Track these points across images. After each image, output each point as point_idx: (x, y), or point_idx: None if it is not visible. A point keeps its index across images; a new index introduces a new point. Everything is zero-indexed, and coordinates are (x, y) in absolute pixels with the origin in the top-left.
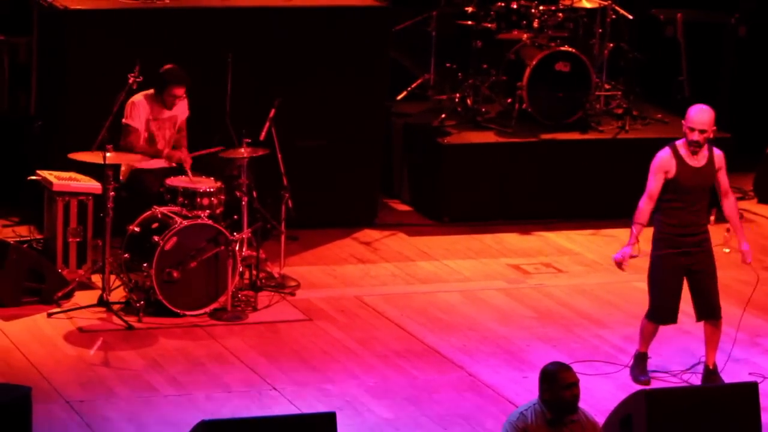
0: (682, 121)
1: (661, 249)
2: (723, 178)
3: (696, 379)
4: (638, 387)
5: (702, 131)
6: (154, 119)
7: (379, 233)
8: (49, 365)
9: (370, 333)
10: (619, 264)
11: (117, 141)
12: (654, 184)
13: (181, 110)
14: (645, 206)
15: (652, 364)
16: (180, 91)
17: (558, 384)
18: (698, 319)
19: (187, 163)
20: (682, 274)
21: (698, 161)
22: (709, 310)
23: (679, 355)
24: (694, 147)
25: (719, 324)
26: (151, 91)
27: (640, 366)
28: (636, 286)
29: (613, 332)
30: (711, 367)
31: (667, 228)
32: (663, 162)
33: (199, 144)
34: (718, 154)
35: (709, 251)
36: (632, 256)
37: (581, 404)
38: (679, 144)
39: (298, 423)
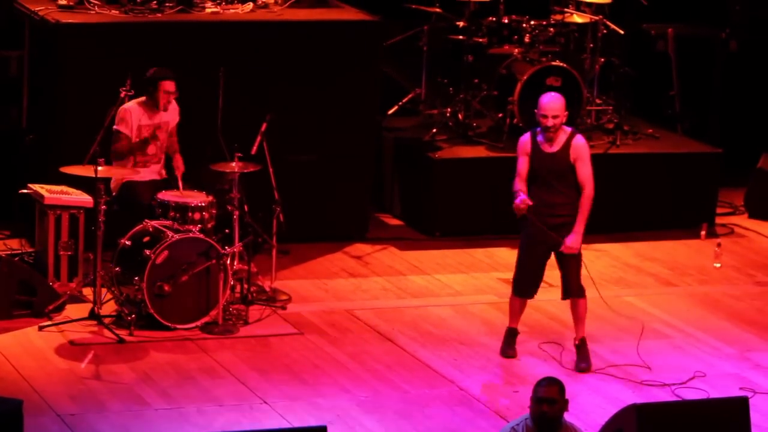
0: (535, 110)
1: (528, 227)
2: (581, 169)
3: (688, 394)
4: (629, 402)
5: (554, 117)
6: (147, 125)
7: (370, 247)
8: (40, 378)
9: (361, 347)
10: (520, 209)
11: (108, 150)
12: (520, 165)
13: (172, 115)
14: (518, 185)
15: (645, 376)
16: (171, 86)
17: (534, 397)
18: (563, 297)
19: (179, 170)
20: (545, 253)
21: (552, 147)
22: (572, 290)
23: (671, 370)
24: (549, 133)
25: (583, 302)
26: (143, 98)
27: (508, 341)
28: (627, 301)
29: (603, 346)
30: (577, 342)
31: (533, 208)
32: (522, 145)
33: (191, 158)
34: (578, 143)
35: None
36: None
37: (572, 419)
38: (539, 130)
39: None
